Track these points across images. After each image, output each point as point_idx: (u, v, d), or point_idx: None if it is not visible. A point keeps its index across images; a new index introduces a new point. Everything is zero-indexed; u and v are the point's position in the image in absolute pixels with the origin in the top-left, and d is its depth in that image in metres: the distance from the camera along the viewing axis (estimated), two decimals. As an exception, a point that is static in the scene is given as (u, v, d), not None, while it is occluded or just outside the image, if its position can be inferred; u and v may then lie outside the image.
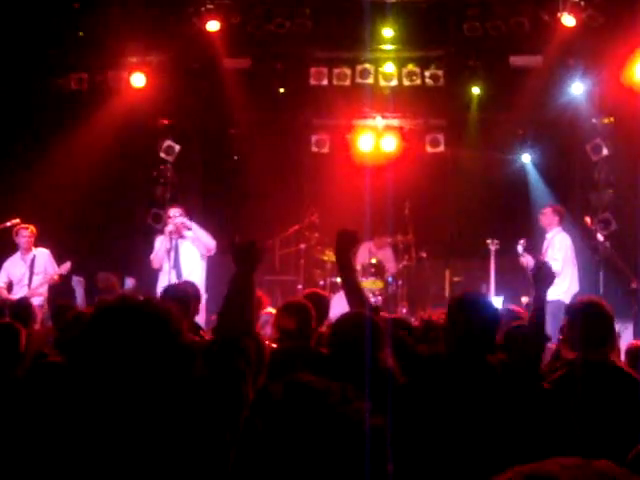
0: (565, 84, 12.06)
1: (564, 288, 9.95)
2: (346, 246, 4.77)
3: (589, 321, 4.52)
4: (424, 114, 12.92)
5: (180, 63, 12.41)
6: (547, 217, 10.22)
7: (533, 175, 12.79)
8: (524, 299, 10.00)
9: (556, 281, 9.66)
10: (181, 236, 9.80)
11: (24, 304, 6.61)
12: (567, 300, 9.68)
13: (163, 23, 12.02)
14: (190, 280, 8.11)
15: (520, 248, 10.09)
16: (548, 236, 10.24)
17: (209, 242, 9.79)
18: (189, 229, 9.84)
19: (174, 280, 9.46)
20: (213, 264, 10.34)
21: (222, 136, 13.44)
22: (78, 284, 8.01)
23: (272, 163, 13.25)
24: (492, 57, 12.06)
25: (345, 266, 4.83)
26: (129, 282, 8.71)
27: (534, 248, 10.35)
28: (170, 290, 6.50)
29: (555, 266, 9.80)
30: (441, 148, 12.74)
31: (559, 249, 10.00)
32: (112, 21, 12.05)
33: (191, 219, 10.30)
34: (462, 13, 11.70)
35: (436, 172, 12.95)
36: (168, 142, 12.59)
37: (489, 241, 10.86)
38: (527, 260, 10.07)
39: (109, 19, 11.98)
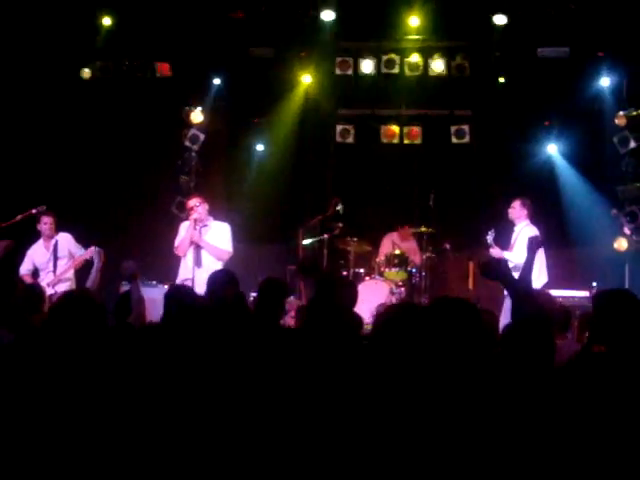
0: (593, 76, 11.97)
1: (533, 279, 9.88)
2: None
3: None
4: (449, 105, 12.85)
5: (205, 52, 12.41)
6: (516, 210, 10.18)
7: (562, 166, 12.69)
8: None
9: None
10: (205, 225, 9.79)
11: (35, 290, 6.57)
12: None
13: (188, 12, 12.03)
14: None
15: (489, 239, 10.10)
16: (516, 229, 10.22)
17: (221, 251, 9.70)
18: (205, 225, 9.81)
19: (195, 268, 9.44)
20: (235, 253, 10.29)
21: (247, 125, 13.44)
22: (97, 255, 7.89)
23: (296, 153, 13.24)
24: (519, 48, 11.96)
25: None
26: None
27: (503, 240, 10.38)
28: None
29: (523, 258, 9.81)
30: (466, 139, 12.66)
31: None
32: (138, 10, 12.09)
33: (213, 207, 10.27)
34: (489, 3, 11.63)
35: (461, 163, 12.88)
36: (193, 131, 12.61)
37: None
38: (496, 252, 10.07)
39: (135, 8, 12.03)
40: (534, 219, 10.20)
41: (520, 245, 10.01)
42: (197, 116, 12.65)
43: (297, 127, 13.07)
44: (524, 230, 10.08)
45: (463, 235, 12.55)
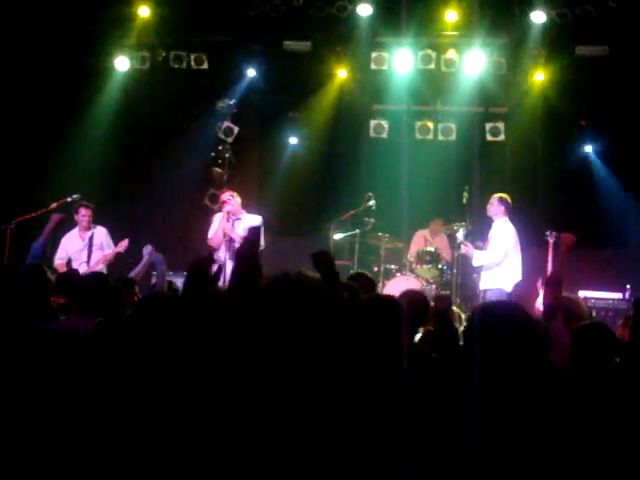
0: (632, 75, 11.82)
1: (506, 277, 10.02)
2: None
3: None
4: (485, 102, 12.76)
5: (242, 44, 12.43)
6: (494, 207, 10.28)
7: (598, 166, 12.57)
8: None
9: (497, 270, 9.85)
10: (238, 218, 9.83)
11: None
12: (509, 289, 9.78)
13: (225, 4, 12.05)
14: None
15: (460, 236, 10.14)
16: (494, 225, 10.33)
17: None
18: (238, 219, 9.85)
19: (228, 260, 9.48)
20: (268, 246, 10.31)
21: (281, 118, 13.44)
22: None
23: (330, 147, 13.22)
24: (557, 45, 11.86)
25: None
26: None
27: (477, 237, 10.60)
28: None
29: (495, 256, 9.89)
30: (501, 137, 12.57)
31: (503, 239, 10.06)
32: (175, 2, 12.13)
33: (245, 200, 10.30)
34: (528, 0, 11.55)
35: (495, 161, 12.78)
36: (227, 123, 12.63)
37: (547, 233, 10.73)
38: (468, 249, 10.17)
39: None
40: (512, 216, 10.31)
41: (494, 242, 10.06)
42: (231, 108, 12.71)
43: (331, 121, 13.06)
44: (501, 227, 10.13)
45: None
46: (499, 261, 10.00)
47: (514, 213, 11.05)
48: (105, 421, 3.20)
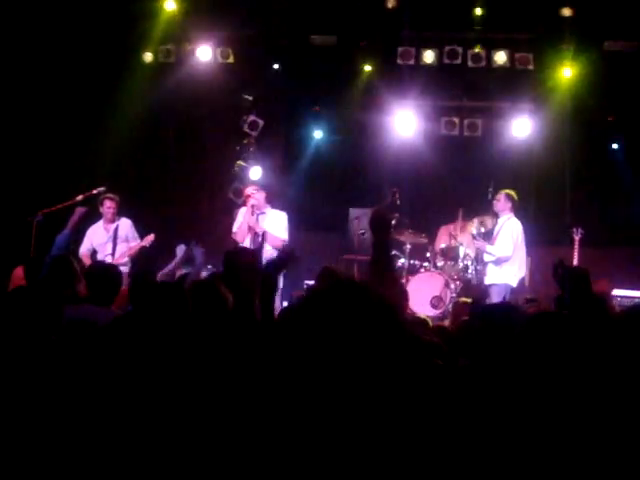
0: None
1: (512, 272, 10.18)
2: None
3: None
4: (512, 97, 12.68)
5: (267, 38, 12.42)
6: (501, 203, 10.44)
7: (625, 163, 12.47)
8: None
9: (505, 265, 9.93)
10: (262, 212, 9.82)
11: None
12: (514, 284, 10.04)
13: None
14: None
15: (474, 231, 10.27)
16: (500, 221, 10.49)
17: (276, 239, 9.69)
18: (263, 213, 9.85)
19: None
20: (290, 241, 10.31)
21: (306, 112, 13.43)
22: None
23: (355, 141, 13.19)
24: (585, 41, 11.75)
25: None
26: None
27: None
28: None
29: (506, 250, 9.95)
30: (527, 132, 12.50)
31: (510, 234, 10.21)
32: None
33: (271, 196, 10.28)
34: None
35: (521, 157, 12.69)
36: (252, 117, 12.63)
37: (574, 230, 10.66)
38: (480, 244, 10.46)
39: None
40: (518, 213, 10.43)
41: (502, 238, 10.13)
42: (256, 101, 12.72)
43: (356, 116, 13.02)
44: (507, 223, 10.23)
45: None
46: (510, 255, 10.09)
47: (539, 209, 11.00)
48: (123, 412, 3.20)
